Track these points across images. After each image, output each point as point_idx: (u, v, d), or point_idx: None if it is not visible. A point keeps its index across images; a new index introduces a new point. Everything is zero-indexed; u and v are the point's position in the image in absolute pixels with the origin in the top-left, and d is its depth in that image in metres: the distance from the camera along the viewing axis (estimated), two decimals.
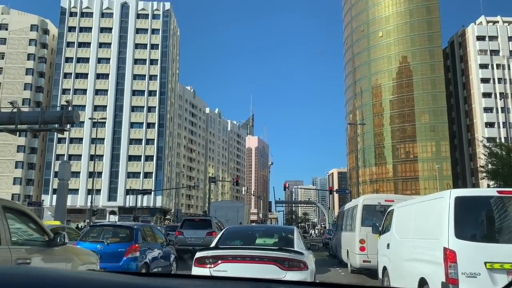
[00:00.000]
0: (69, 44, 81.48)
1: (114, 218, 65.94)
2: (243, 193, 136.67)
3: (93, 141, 70.57)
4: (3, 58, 78.55)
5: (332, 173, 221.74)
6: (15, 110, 21.09)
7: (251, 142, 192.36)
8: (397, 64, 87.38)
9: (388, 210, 9.57)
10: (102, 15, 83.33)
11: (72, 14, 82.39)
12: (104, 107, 79.73)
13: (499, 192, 6.16)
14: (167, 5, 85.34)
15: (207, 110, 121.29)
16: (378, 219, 11.95)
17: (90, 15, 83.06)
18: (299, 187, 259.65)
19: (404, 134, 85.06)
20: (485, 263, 5.59)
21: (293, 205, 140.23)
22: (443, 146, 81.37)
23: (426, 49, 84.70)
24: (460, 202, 6.03)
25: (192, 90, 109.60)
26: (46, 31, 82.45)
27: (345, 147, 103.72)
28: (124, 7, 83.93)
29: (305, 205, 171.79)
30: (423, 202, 7.61)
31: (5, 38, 79.55)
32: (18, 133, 25.86)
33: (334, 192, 55.48)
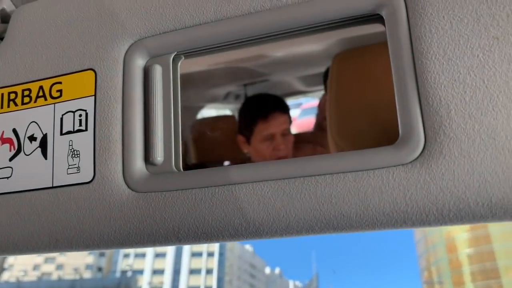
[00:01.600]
0: None
1: None
2: None
3: None
4: None
5: None
6: (77, 276, 20.67)
7: None
8: None
9: None
10: None
11: None
12: (162, 271, 78.59)
13: None
14: None
15: (267, 270, 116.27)
16: None
17: None
18: None
19: None
20: None
21: None
22: None
23: None
24: None
25: (251, 250, 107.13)
26: None
27: None
28: None
29: None
30: None
31: None
32: None
33: None
